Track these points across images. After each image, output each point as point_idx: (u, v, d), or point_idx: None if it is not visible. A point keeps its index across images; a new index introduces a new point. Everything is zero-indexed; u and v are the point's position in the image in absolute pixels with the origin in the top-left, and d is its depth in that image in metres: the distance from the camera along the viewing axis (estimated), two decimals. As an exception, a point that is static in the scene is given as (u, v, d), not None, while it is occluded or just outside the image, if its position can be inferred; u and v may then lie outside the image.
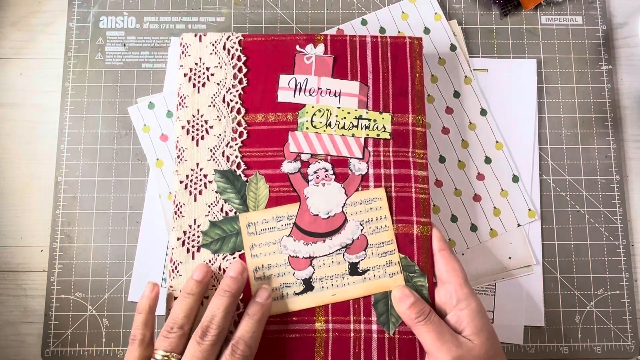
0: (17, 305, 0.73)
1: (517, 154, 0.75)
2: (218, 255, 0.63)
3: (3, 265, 0.74)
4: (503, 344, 0.72)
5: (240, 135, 0.65)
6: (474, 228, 0.73)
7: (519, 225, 0.74)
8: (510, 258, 0.73)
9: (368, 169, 0.64)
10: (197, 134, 0.65)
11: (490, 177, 0.74)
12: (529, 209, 0.74)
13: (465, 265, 0.71)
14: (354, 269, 0.63)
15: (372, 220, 0.63)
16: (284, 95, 0.66)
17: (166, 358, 0.56)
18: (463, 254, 0.73)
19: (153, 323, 0.60)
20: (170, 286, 0.62)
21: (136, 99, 0.76)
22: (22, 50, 0.78)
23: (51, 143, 0.76)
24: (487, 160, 0.74)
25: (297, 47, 0.67)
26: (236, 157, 0.64)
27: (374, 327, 0.62)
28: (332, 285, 0.63)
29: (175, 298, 0.61)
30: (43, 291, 0.73)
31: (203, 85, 0.66)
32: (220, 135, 0.65)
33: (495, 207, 0.74)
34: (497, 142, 0.75)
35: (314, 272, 0.63)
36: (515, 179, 0.74)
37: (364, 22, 0.78)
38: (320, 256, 0.63)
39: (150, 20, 0.79)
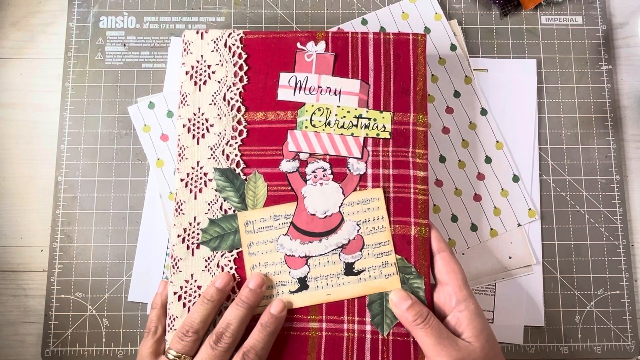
0: (17, 305, 0.73)
1: (517, 153, 0.75)
2: (217, 253, 0.63)
3: (3, 265, 0.74)
4: (503, 344, 0.72)
5: (240, 133, 0.65)
6: (474, 228, 0.73)
7: (519, 225, 0.74)
8: (510, 258, 0.73)
9: (366, 169, 0.64)
10: (198, 132, 0.65)
11: (491, 177, 0.74)
12: (529, 209, 0.74)
13: (465, 265, 0.72)
14: (349, 269, 0.63)
15: (369, 221, 0.63)
16: (284, 94, 0.65)
17: (178, 359, 0.58)
18: (463, 254, 0.73)
19: (165, 317, 0.63)
20: (171, 282, 0.63)
21: (136, 99, 0.76)
22: (22, 50, 0.78)
23: (51, 143, 0.76)
24: (488, 160, 0.74)
25: (298, 45, 0.66)
26: (236, 155, 0.64)
27: (368, 327, 0.62)
28: (327, 284, 0.63)
29: (175, 293, 0.62)
30: (43, 291, 0.73)
31: (204, 83, 0.66)
32: (220, 133, 0.65)
33: (495, 207, 0.74)
34: (497, 141, 0.75)
35: (309, 272, 0.63)
36: (516, 178, 0.74)
37: (364, 22, 0.78)
38: (316, 255, 0.63)
39: (150, 20, 0.79)
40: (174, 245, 0.63)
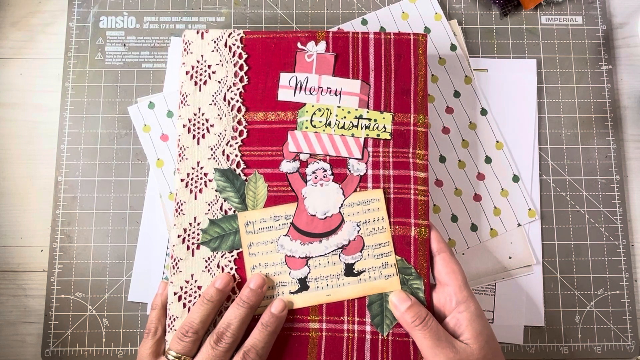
0: (17, 305, 0.73)
1: (517, 153, 0.75)
2: (217, 253, 0.63)
3: (3, 265, 0.74)
4: (503, 344, 0.72)
5: (241, 134, 0.65)
6: (474, 228, 0.73)
7: (519, 225, 0.74)
8: (510, 258, 0.73)
9: (367, 170, 0.64)
10: (198, 133, 0.65)
11: (491, 177, 0.74)
12: (529, 209, 0.74)
13: (465, 265, 0.72)
14: (349, 270, 0.63)
15: (369, 222, 0.63)
16: (284, 94, 0.65)
17: (178, 359, 0.58)
18: (463, 254, 0.73)
19: (165, 317, 0.63)
20: (171, 282, 0.63)
21: (136, 99, 0.76)
22: (22, 50, 0.78)
23: (51, 143, 0.76)
24: (488, 160, 0.74)
25: (299, 45, 0.66)
26: (236, 156, 0.64)
27: (368, 328, 0.62)
28: (327, 285, 0.63)
29: (175, 293, 0.62)
30: (43, 291, 0.73)
31: (204, 83, 0.66)
32: (220, 133, 0.65)
33: (495, 207, 0.74)
34: (497, 141, 0.75)
35: (309, 272, 0.63)
36: (516, 178, 0.74)
37: (364, 22, 0.78)
38: (316, 256, 0.63)
39: (150, 20, 0.79)
40: (174, 245, 0.63)
